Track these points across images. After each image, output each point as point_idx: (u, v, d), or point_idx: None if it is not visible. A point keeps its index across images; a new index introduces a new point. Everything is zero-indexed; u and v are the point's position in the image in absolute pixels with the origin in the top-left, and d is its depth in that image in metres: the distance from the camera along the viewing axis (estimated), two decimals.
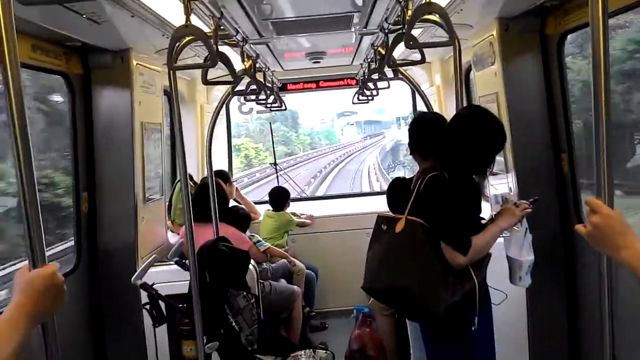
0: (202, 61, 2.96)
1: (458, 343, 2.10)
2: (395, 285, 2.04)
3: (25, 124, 1.10)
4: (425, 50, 2.55)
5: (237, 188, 4.85)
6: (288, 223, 4.43)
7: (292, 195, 4.87)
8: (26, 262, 1.13)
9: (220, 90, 4.96)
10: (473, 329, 2.04)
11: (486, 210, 2.46)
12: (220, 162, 4.94)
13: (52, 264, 1.12)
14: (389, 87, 3.91)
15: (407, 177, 2.49)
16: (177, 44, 2.02)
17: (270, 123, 6.91)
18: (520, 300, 2.82)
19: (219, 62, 2.32)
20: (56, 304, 1.10)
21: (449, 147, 2.09)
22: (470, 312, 2.04)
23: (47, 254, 1.15)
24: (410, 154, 2.45)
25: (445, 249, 1.99)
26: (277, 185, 4.89)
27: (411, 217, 2.04)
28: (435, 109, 4.34)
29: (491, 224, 2.13)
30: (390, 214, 2.18)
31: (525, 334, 2.93)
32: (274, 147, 6.29)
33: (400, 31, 2.30)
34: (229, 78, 2.55)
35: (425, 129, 2.38)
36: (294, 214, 4.70)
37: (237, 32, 2.51)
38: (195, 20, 2.07)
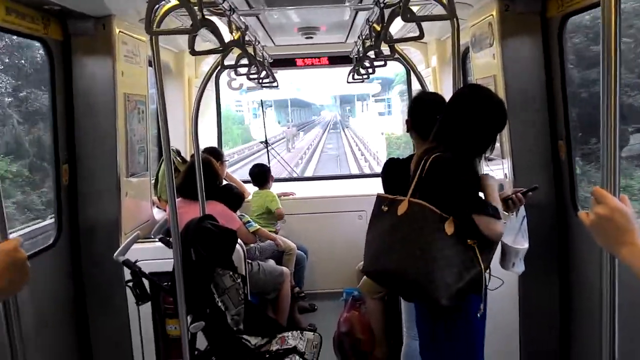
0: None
1: (457, 328, 2.05)
2: (396, 269, 1.95)
3: None
4: (423, 30, 2.48)
5: None
6: (271, 201, 4.29)
7: (284, 176, 4.75)
8: None
9: (210, 65, 4.81)
10: (478, 315, 2.00)
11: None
12: (208, 139, 4.83)
13: (14, 239, 1.05)
14: (385, 65, 3.80)
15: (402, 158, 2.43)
16: (157, 6, 1.90)
17: (261, 100, 6.77)
18: (512, 286, 2.78)
19: (208, 33, 2.22)
20: (19, 281, 1.03)
21: (449, 127, 2.01)
22: (476, 298, 1.98)
23: None
24: (408, 131, 2.44)
25: (481, 221, 1.88)
26: (259, 163, 4.80)
27: (414, 199, 1.96)
28: (431, 90, 4.26)
29: (485, 185, 2.02)
30: (390, 195, 2.07)
31: (516, 320, 2.91)
32: (264, 125, 6.19)
33: (398, 5, 2.20)
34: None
35: (426, 107, 2.38)
36: (285, 194, 4.63)
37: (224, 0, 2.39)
38: None
